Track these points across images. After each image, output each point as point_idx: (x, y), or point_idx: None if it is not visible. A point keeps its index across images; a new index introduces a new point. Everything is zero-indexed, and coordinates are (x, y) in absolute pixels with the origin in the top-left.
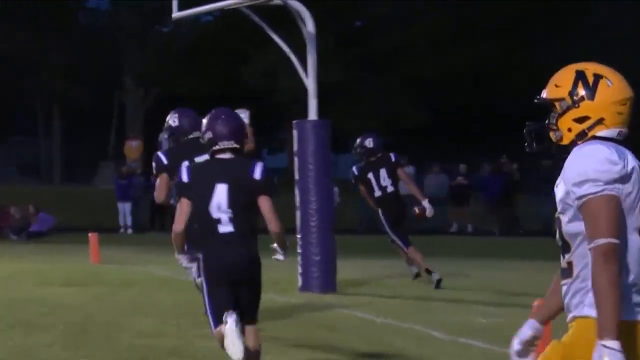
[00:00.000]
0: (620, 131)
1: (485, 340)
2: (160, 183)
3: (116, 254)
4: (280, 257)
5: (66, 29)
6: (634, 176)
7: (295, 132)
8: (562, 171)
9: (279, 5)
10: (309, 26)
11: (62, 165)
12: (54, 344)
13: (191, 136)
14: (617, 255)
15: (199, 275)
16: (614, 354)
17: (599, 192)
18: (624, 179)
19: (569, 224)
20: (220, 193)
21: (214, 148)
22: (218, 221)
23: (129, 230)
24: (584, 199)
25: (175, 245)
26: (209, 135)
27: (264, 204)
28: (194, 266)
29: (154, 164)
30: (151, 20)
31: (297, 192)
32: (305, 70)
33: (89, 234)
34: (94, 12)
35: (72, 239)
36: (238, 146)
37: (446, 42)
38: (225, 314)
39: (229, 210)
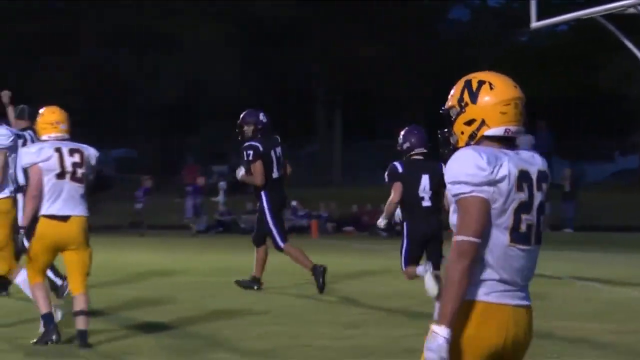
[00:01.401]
0: (507, 129)
1: None
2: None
3: None
4: None
5: (427, 38)
6: (505, 181)
7: None
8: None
9: (634, 14)
10: None
11: None
12: (421, 335)
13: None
14: (472, 253)
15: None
16: (436, 339)
17: (468, 193)
18: (491, 182)
19: (452, 215)
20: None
21: (412, 153)
22: (422, 199)
23: None
24: (456, 198)
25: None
26: (407, 144)
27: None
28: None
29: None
30: (509, 28)
31: None
32: None
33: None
34: (453, 23)
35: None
36: (426, 151)
37: None
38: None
39: (429, 192)
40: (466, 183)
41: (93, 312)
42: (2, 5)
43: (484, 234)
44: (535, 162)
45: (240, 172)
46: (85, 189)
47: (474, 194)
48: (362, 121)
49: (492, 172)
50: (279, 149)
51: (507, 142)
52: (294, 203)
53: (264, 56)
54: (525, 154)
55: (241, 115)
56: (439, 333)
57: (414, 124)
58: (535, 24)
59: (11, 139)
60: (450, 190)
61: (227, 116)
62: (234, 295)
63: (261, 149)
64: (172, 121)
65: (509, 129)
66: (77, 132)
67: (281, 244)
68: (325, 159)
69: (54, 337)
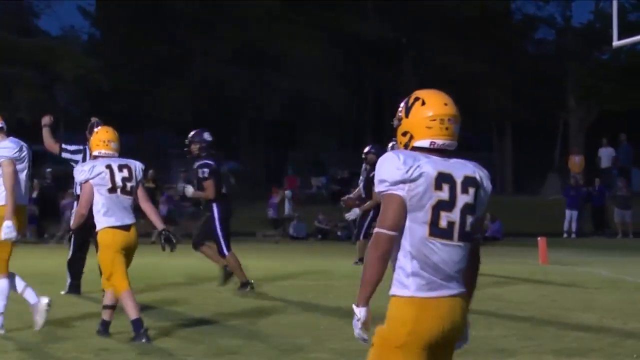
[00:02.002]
0: (432, 142)
1: None
2: None
3: (562, 256)
4: None
5: (514, 57)
6: (421, 180)
7: None
8: None
9: None
10: None
11: (512, 177)
12: (510, 335)
13: None
14: (387, 244)
15: None
16: (355, 318)
17: (386, 190)
18: (406, 181)
19: None
20: None
21: None
22: None
23: (573, 235)
24: (380, 195)
25: None
26: None
27: None
28: None
29: None
30: (592, 46)
31: None
32: None
33: (538, 239)
34: (540, 42)
35: (522, 243)
36: None
37: None
38: None
39: None
40: (385, 181)
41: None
42: (125, 30)
43: (403, 226)
44: (464, 169)
45: (189, 189)
46: (133, 200)
47: (390, 191)
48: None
49: (407, 171)
50: (223, 166)
51: (439, 152)
52: None
53: (361, 73)
54: (457, 162)
55: (189, 135)
56: (357, 313)
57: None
58: (616, 43)
59: (16, 150)
60: (376, 187)
61: (325, 130)
62: (336, 297)
63: (215, 166)
64: (276, 135)
65: (435, 142)
66: None
67: (225, 252)
68: None
69: (144, 339)
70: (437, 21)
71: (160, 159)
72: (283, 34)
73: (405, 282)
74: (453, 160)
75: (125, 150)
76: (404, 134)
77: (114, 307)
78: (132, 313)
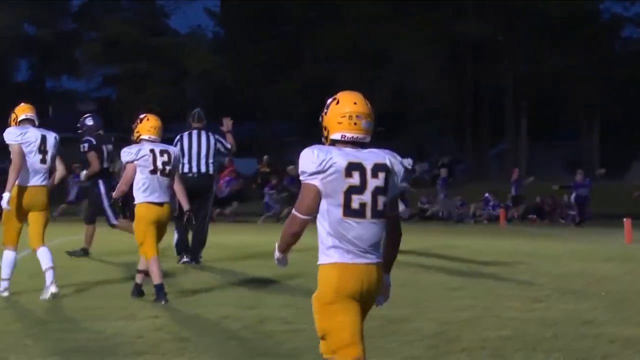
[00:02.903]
0: (342, 135)
1: None
2: None
3: None
4: None
5: (602, 54)
6: (332, 170)
7: None
8: None
9: None
10: None
11: (600, 164)
12: (597, 308)
13: None
14: (299, 225)
15: None
16: (275, 254)
17: (304, 180)
18: (320, 172)
19: None
20: None
21: None
22: None
23: None
24: (301, 183)
25: None
26: None
27: None
28: None
29: None
30: None
31: None
32: None
33: (624, 220)
34: (626, 40)
35: (609, 224)
36: None
37: None
38: None
39: None
40: (304, 172)
41: None
42: (246, 30)
43: (316, 211)
44: (375, 157)
45: (82, 173)
46: (171, 182)
47: (307, 181)
48: (544, 124)
49: (320, 164)
50: (110, 146)
51: (352, 144)
52: (487, 195)
53: (461, 70)
54: (370, 151)
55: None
56: (275, 253)
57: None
58: None
59: (18, 135)
60: (300, 176)
61: (428, 120)
62: (437, 271)
63: (94, 143)
64: (383, 124)
65: (345, 135)
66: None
67: (114, 221)
68: (513, 157)
69: (162, 302)
70: (531, 20)
71: (276, 146)
72: (389, 33)
73: (328, 253)
74: (366, 150)
75: (243, 138)
76: (324, 128)
77: (146, 272)
78: (156, 278)
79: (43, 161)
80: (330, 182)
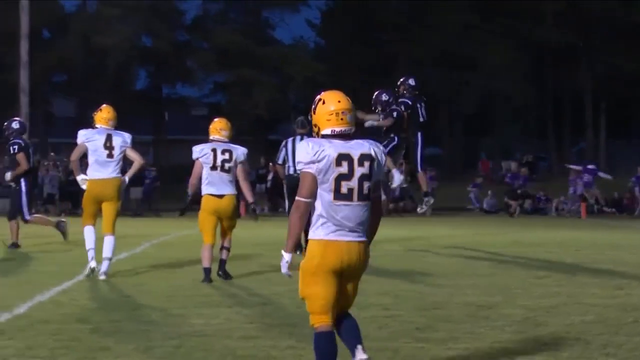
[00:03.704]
0: (332, 129)
1: None
2: None
3: None
4: None
5: None
6: (325, 160)
7: None
8: None
9: None
10: None
11: None
12: None
13: None
14: (303, 208)
15: None
16: (283, 260)
17: (302, 169)
18: (314, 161)
19: None
20: None
21: None
22: None
23: None
24: (300, 172)
25: None
26: None
27: None
28: None
29: None
30: None
31: None
32: None
33: None
34: None
35: None
36: None
37: None
38: None
39: None
40: (301, 162)
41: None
42: (344, 39)
43: (315, 194)
44: (361, 148)
45: (7, 174)
46: (232, 177)
47: (305, 169)
48: (622, 123)
49: (315, 155)
50: (32, 147)
51: (340, 137)
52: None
53: (542, 73)
54: (356, 142)
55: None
56: (285, 257)
57: None
58: None
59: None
60: (297, 166)
61: (512, 121)
62: (526, 261)
63: (23, 144)
64: (471, 125)
65: (334, 130)
66: None
67: (27, 217)
68: (592, 155)
69: (206, 282)
70: (608, 26)
71: None
72: (476, 40)
73: (316, 231)
74: (353, 142)
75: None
76: (315, 126)
77: (228, 249)
78: (205, 262)
79: (110, 156)
80: (322, 170)
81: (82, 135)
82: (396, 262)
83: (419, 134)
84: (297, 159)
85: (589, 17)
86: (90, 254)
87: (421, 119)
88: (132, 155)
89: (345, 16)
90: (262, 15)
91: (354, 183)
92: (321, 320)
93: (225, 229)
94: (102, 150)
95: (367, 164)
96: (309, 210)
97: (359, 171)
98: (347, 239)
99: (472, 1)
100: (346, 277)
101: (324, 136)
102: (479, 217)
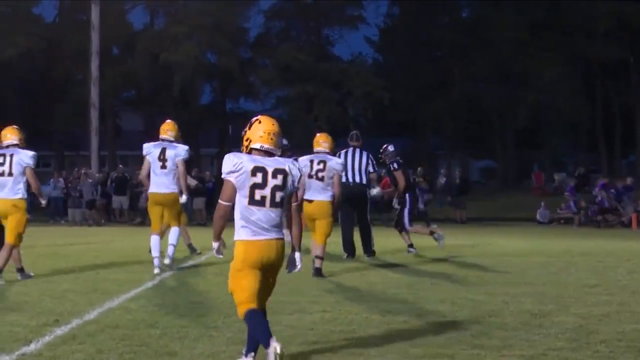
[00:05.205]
0: (261, 145)
1: None
2: None
3: None
4: None
5: None
6: (242, 171)
7: None
8: None
9: None
10: None
11: None
12: None
13: None
14: (223, 210)
15: None
16: (213, 245)
17: (224, 177)
18: (233, 172)
19: None
20: None
21: None
22: None
23: None
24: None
25: None
26: None
27: None
28: None
29: None
30: None
31: None
32: None
33: None
34: None
35: None
36: None
37: None
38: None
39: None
40: (223, 172)
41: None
42: (402, 55)
43: (234, 199)
44: (277, 164)
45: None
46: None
47: (226, 177)
48: None
49: (234, 165)
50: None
51: (265, 153)
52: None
53: (593, 87)
54: (275, 159)
55: None
56: (214, 245)
57: None
58: None
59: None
60: (222, 175)
61: (564, 134)
62: (577, 271)
63: None
64: (524, 139)
65: (263, 146)
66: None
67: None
68: None
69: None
70: None
71: (430, 159)
72: (529, 55)
73: (239, 232)
74: (273, 158)
75: (400, 151)
76: (247, 140)
77: (321, 258)
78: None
79: (163, 167)
80: (240, 179)
81: (144, 148)
82: (454, 272)
83: (407, 195)
84: (222, 168)
85: (639, 32)
86: (156, 262)
87: (410, 180)
88: (180, 168)
89: (402, 33)
90: (323, 32)
91: (266, 192)
92: (249, 306)
93: (314, 232)
94: (157, 162)
95: (280, 177)
96: (229, 211)
97: (272, 182)
98: (264, 237)
99: (525, 17)
100: (267, 271)
101: (253, 149)
102: (532, 227)
